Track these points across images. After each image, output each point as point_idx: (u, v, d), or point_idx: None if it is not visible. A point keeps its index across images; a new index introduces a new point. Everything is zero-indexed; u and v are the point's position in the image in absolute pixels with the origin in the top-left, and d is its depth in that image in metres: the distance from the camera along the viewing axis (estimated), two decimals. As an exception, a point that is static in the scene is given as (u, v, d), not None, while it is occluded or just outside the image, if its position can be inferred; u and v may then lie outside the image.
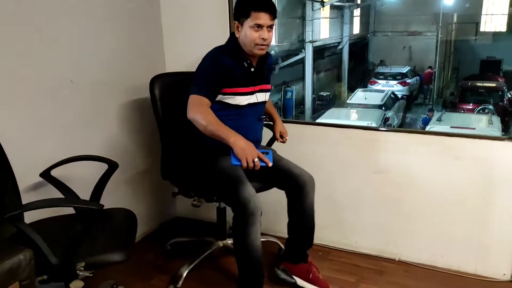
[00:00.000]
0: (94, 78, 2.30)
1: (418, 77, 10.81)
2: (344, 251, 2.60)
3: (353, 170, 2.53)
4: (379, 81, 10.67)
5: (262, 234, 1.98)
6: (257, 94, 2.06)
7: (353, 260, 2.51)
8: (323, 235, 2.36)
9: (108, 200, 1.89)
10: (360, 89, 9.85)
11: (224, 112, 1.97)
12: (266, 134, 2.32)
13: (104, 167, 2.00)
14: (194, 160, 2.10)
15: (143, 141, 2.67)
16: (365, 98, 8.80)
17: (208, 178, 2.03)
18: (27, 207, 1.59)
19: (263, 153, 1.84)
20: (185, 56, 2.31)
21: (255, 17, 1.90)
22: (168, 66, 2.77)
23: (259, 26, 1.91)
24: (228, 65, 1.95)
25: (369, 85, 10.56)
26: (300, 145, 2.49)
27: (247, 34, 1.93)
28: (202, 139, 1.97)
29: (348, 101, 9.26)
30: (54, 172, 1.94)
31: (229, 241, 2.43)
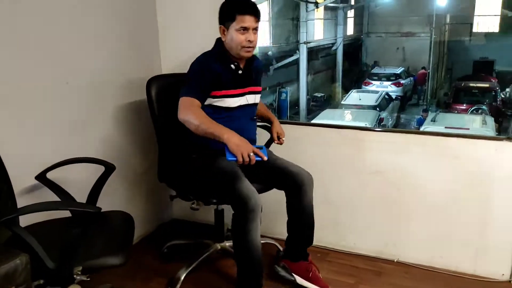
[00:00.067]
0: (90, 80, 2.27)
1: (412, 78, 10.91)
2: (343, 252, 2.59)
3: (350, 171, 2.52)
4: (373, 82, 10.75)
5: (261, 236, 1.96)
6: (247, 96, 2.10)
7: (352, 262, 2.49)
8: (321, 236, 2.36)
9: (104, 203, 1.87)
10: (354, 90, 9.92)
11: (216, 115, 1.99)
12: (264, 135, 2.31)
13: (100, 169, 1.98)
14: (191, 162, 2.10)
15: (140, 143, 2.65)
16: (360, 99, 8.86)
17: (206, 179, 2.03)
18: (22, 210, 1.56)
19: (257, 148, 1.88)
20: (181, 57, 2.30)
21: (240, 20, 1.95)
22: (164, 67, 2.75)
23: (245, 29, 1.96)
24: (217, 69, 2.00)
25: (363, 86, 10.63)
26: (295, 146, 2.48)
27: (234, 37, 1.97)
28: (198, 140, 1.99)
29: (342, 102, 9.31)
30: (50, 175, 1.91)
31: (227, 244, 2.41)
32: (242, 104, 2.08)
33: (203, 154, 2.06)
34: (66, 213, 1.81)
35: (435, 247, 2.41)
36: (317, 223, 2.22)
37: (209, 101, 2.01)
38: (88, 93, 2.27)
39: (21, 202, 1.73)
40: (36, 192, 1.97)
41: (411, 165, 2.38)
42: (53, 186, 1.91)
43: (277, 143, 2.24)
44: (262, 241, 1.98)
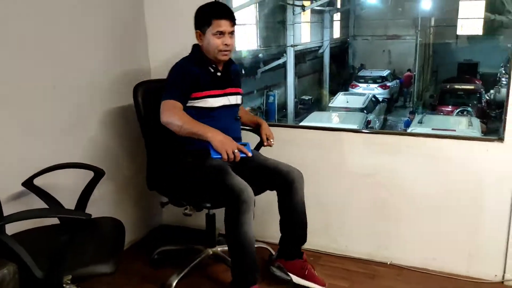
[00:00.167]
0: (77, 84, 2.24)
1: (398, 80, 10.97)
2: (335, 255, 2.57)
3: (340, 173, 2.52)
4: (360, 85, 10.77)
5: (253, 240, 1.94)
6: (229, 97, 2.16)
7: (345, 265, 2.48)
8: (312, 239, 2.34)
9: (92, 208, 1.84)
10: (341, 93, 9.93)
11: (200, 117, 2.02)
12: (254, 138, 2.29)
13: (89, 174, 1.94)
14: (180, 164, 2.11)
15: (128, 148, 2.61)
16: (347, 102, 8.86)
17: (197, 179, 2.04)
18: (9, 218, 1.52)
19: (241, 145, 1.92)
20: (171, 61, 2.27)
21: (216, 25, 2.02)
22: (154, 71, 2.71)
23: (221, 33, 2.03)
24: (196, 72, 2.07)
25: (350, 89, 10.65)
26: (284, 149, 2.46)
27: (210, 41, 2.05)
28: (185, 144, 2.04)
29: (330, 105, 9.31)
30: (37, 181, 1.87)
31: (219, 249, 2.38)
32: (225, 104, 2.13)
33: (192, 155, 2.07)
34: (55, 220, 1.79)
35: (428, 249, 2.41)
36: (309, 226, 2.21)
37: (191, 103, 2.06)
38: (75, 97, 2.24)
39: (7, 210, 1.69)
40: (23, 199, 1.92)
41: (401, 167, 2.39)
42: (41, 193, 1.88)
43: (266, 145, 2.24)
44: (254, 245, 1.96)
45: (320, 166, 2.53)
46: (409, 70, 10.67)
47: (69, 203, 1.90)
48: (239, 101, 2.22)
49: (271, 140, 2.25)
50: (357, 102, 8.88)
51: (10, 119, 1.91)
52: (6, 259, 1.27)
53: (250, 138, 2.26)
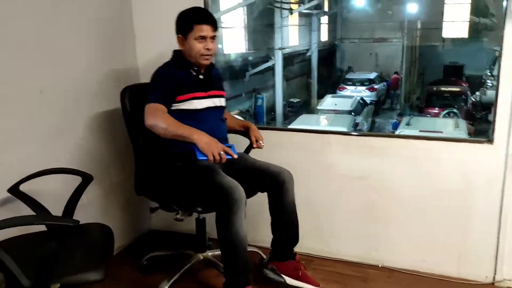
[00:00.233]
0: (65, 88, 2.20)
1: (385, 83, 11.10)
2: (327, 259, 2.56)
3: (328, 176, 2.51)
4: (348, 87, 10.89)
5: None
6: (213, 99, 2.15)
7: (337, 268, 2.47)
8: (303, 242, 2.33)
9: (80, 214, 1.80)
10: (329, 95, 10.02)
11: (185, 119, 2.00)
12: (243, 142, 2.27)
13: (76, 180, 1.90)
14: (166, 169, 2.09)
15: (116, 153, 2.57)
16: (335, 104, 8.95)
17: (187, 181, 2.02)
18: (-6, 226, 1.47)
19: (227, 146, 1.91)
20: (160, 62, 2.25)
21: (198, 30, 2.03)
22: (142, 75, 2.68)
23: (203, 38, 2.04)
24: (180, 75, 2.07)
25: (338, 91, 10.75)
26: (273, 151, 2.44)
27: (192, 46, 2.05)
28: (169, 146, 2.02)
29: (318, 107, 9.38)
30: (23, 187, 1.83)
31: (210, 253, 2.35)
32: (209, 106, 2.13)
33: (178, 158, 2.05)
34: (41, 227, 1.74)
35: (418, 251, 2.41)
36: (299, 229, 2.19)
37: (176, 106, 2.05)
38: (63, 101, 2.20)
39: (-8, 217, 1.64)
40: (9, 206, 1.87)
41: (390, 169, 2.38)
42: (27, 199, 1.83)
43: (256, 147, 2.23)
44: (245, 250, 1.94)
45: (308, 168, 2.52)
46: (396, 72, 10.81)
47: (56, 209, 1.85)
48: (223, 103, 2.22)
49: (261, 142, 2.24)
50: (345, 104, 8.99)
51: (-5, 124, 1.87)
52: (-9, 268, 1.24)
53: (240, 141, 2.24)
